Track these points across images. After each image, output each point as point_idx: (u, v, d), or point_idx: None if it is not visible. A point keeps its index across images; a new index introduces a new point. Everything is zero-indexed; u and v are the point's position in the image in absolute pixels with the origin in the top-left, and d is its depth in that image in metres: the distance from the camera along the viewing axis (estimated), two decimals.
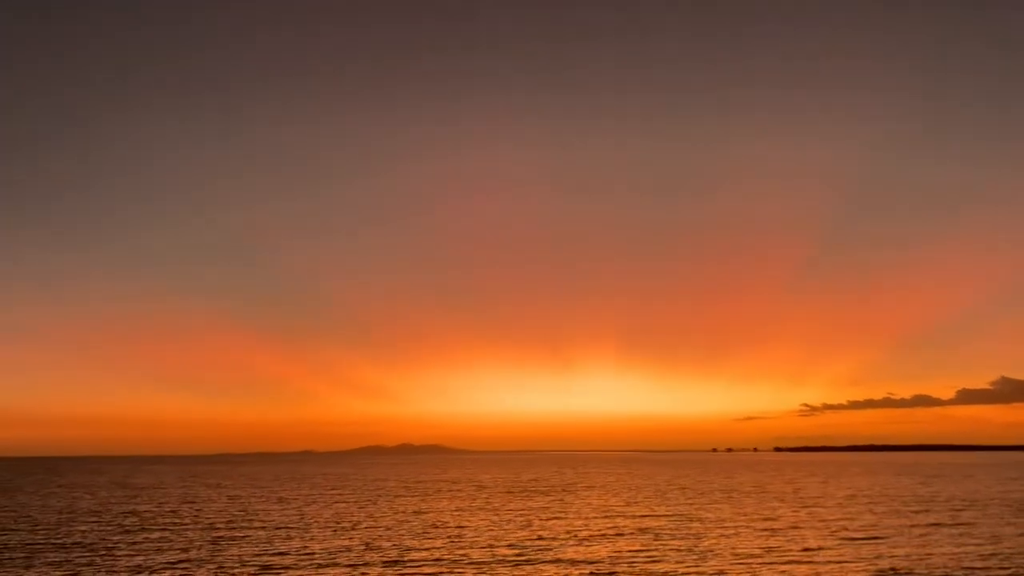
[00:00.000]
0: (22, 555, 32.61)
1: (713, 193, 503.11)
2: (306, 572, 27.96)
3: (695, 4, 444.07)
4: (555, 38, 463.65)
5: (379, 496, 68.95)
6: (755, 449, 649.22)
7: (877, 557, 30.81)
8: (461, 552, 32.46)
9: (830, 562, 29.68)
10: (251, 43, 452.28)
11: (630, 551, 32.40)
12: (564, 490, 76.49)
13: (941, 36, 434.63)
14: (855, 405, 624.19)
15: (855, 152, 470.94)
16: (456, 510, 52.76)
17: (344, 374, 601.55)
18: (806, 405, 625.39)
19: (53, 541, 37.08)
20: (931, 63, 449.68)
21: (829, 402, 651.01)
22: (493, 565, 29.26)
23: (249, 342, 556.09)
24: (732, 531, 39.27)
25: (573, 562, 29.79)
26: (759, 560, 30.04)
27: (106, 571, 28.52)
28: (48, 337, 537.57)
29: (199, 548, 33.99)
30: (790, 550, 32.63)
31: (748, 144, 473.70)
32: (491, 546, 34.12)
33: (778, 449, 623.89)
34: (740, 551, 32.29)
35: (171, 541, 36.52)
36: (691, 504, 56.57)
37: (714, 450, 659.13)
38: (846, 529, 40.21)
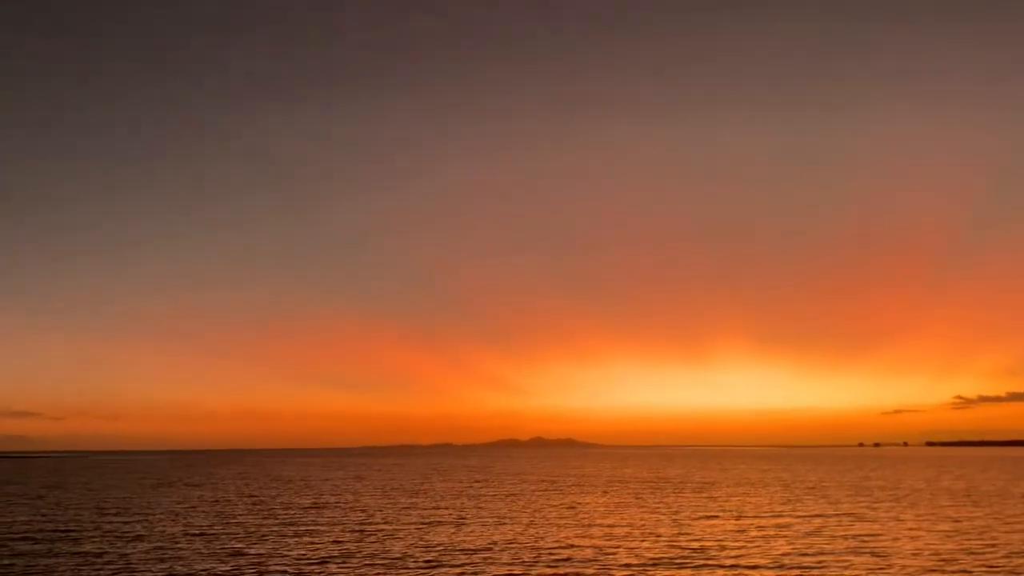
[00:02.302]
0: (198, 542, 33.58)
1: (851, 180, 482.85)
2: (476, 566, 27.27)
3: None
4: (692, 33, 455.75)
5: (524, 490, 68.44)
6: (904, 444, 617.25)
7: None
8: (624, 550, 31.09)
9: None
10: (381, 35, 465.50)
11: (805, 553, 30.15)
12: (713, 487, 73.88)
13: None
14: (1015, 397, 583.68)
15: (1009, 130, 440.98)
16: (608, 506, 51.44)
17: (478, 369, 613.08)
18: (960, 397, 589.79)
19: (215, 531, 38.16)
20: None
21: (985, 394, 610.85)
22: (664, 564, 27.76)
23: (389, 339, 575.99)
24: (913, 532, 36.19)
25: (752, 566, 27.89)
26: (957, 567, 27.24)
27: (275, 560, 28.79)
28: (203, 338, 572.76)
29: (361, 541, 34.07)
30: (989, 555, 29.53)
31: (887, 129, 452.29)
32: (654, 544, 32.60)
33: (930, 444, 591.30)
34: (930, 553, 29.46)
35: (328, 533, 36.86)
36: (857, 502, 53.10)
37: (860, 445, 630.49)
38: None
